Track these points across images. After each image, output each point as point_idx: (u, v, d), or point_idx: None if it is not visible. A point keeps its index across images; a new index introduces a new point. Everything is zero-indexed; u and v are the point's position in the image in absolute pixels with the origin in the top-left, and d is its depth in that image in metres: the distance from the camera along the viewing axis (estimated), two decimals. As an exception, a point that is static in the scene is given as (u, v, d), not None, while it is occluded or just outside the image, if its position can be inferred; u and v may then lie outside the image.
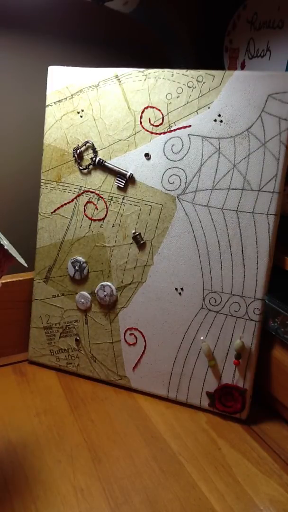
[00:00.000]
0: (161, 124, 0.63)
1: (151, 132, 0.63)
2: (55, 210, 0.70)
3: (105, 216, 0.67)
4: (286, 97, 0.57)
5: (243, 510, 0.51)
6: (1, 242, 0.44)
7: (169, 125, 0.63)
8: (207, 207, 0.62)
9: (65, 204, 0.69)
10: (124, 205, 0.66)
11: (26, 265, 0.48)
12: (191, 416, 0.65)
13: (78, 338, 0.71)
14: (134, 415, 0.65)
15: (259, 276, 0.61)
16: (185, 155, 0.62)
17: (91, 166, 0.67)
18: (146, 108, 0.63)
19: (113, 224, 0.67)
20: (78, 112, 0.67)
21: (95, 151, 0.66)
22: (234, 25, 0.73)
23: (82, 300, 0.70)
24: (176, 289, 0.65)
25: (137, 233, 0.66)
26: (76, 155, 0.67)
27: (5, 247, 0.44)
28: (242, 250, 0.61)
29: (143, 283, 0.66)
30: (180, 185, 0.63)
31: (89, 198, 0.68)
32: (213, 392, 0.64)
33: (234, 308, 0.62)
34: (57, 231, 0.70)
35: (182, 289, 0.65)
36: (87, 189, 0.68)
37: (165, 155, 0.63)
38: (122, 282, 0.67)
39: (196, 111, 0.61)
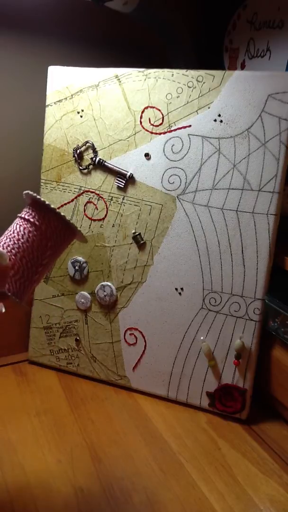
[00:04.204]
0: (161, 124, 0.63)
1: (151, 132, 0.63)
2: (55, 210, 0.70)
3: (105, 216, 0.67)
4: (286, 97, 0.57)
5: (243, 510, 0.51)
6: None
7: (169, 125, 0.62)
8: (207, 207, 0.62)
9: (65, 204, 0.69)
10: (124, 205, 0.66)
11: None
12: (191, 416, 0.65)
13: (78, 338, 0.71)
14: (134, 415, 0.65)
15: (259, 276, 0.61)
16: (185, 155, 0.62)
17: (91, 166, 0.67)
18: (146, 108, 0.63)
19: (113, 224, 0.67)
20: (78, 112, 0.67)
21: (95, 151, 0.66)
22: (234, 25, 0.73)
23: (82, 300, 0.70)
24: (176, 289, 0.65)
25: (137, 233, 0.66)
26: (76, 155, 0.67)
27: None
28: (242, 250, 0.61)
29: (143, 283, 0.66)
30: (180, 185, 0.63)
31: (89, 198, 0.68)
32: (213, 392, 0.64)
33: (234, 308, 0.62)
34: (57, 231, 0.70)
35: (182, 289, 0.64)
36: (87, 189, 0.68)
37: (165, 155, 0.63)
38: (122, 282, 0.67)
39: (196, 111, 0.61)
